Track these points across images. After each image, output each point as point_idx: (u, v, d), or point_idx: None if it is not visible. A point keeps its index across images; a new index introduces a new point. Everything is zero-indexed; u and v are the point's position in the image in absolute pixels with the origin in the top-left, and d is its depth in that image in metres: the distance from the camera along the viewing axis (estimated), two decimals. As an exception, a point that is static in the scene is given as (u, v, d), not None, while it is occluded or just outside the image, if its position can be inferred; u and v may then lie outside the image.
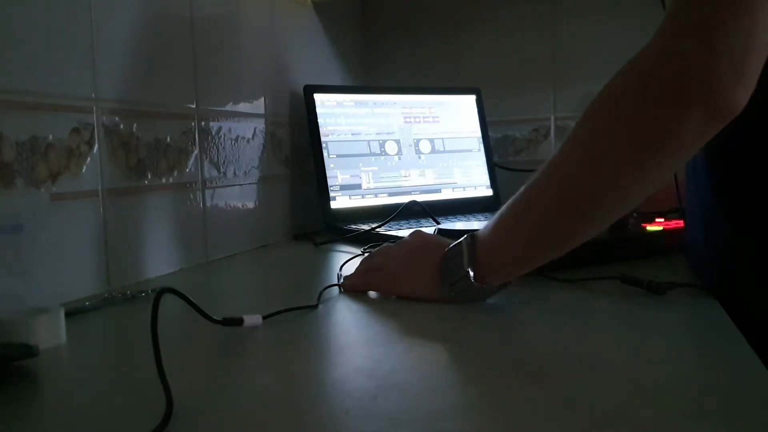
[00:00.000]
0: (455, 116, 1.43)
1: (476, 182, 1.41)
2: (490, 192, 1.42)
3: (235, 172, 1.05)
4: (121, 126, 0.81)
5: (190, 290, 0.53)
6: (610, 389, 0.44)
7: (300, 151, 1.27)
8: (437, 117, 1.41)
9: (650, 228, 0.92)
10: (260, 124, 1.14)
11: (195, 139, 0.95)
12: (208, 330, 0.56)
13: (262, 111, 1.15)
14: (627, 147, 0.55)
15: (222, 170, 1.02)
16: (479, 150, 1.44)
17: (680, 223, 0.89)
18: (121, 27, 0.81)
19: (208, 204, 0.98)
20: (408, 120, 1.37)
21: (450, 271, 0.66)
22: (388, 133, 1.33)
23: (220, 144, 1.01)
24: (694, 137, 0.53)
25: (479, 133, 1.45)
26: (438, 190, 1.36)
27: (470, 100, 1.46)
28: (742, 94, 0.50)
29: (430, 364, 0.51)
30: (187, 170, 0.93)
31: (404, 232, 1.00)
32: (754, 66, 0.51)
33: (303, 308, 0.66)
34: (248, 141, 1.10)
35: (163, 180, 0.88)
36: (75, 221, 0.74)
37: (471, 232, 0.66)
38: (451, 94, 1.46)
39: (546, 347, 0.55)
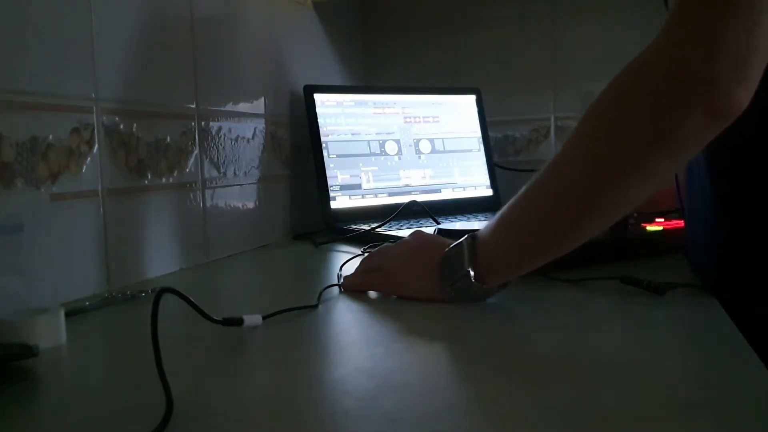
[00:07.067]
0: (455, 116, 1.43)
1: (476, 182, 1.41)
2: (490, 192, 1.42)
3: (235, 172, 1.05)
4: (121, 126, 0.81)
5: (190, 290, 0.53)
6: (610, 389, 0.44)
7: (300, 151, 1.27)
8: (437, 117, 1.41)
9: (650, 228, 0.92)
10: (260, 124, 1.14)
11: (195, 139, 0.95)
12: (208, 330, 0.56)
13: (262, 111, 1.15)
14: (628, 147, 0.55)
15: (222, 170, 1.02)
16: (479, 150, 1.44)
17: (680, 223, 0.89)
18: (121, 27, 0.81)
19: (208, 204, 0.98)
20: (408, 120, 1.37)
21: (450, 270, 0.66)
22: (388, 133, 1.33)
23: (220, 144, 1.01)
24: (695, 138, 0.53)
25: (479, 133, 1.45)
26: (438, 190, 1.36)
27: (470, 100, 1.46)
28: (744, 96, 0.50)
29: (430, 364, 0.51)
30: (187, 170, 0.93)
31: (404, 232, 1.00)
32: (756, 67, 0.51)
33: (303, 308, 0.66)
34: (248, 141, 1.10)
35: (163, 180, 0.88)
36: (75, 221, 0.74)
37: (471, 232, 0.66)
38: (451, 94, 1.45)
39: (546, 347, 0.55)
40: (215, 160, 1.00)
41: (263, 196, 1.13)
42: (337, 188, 1.24)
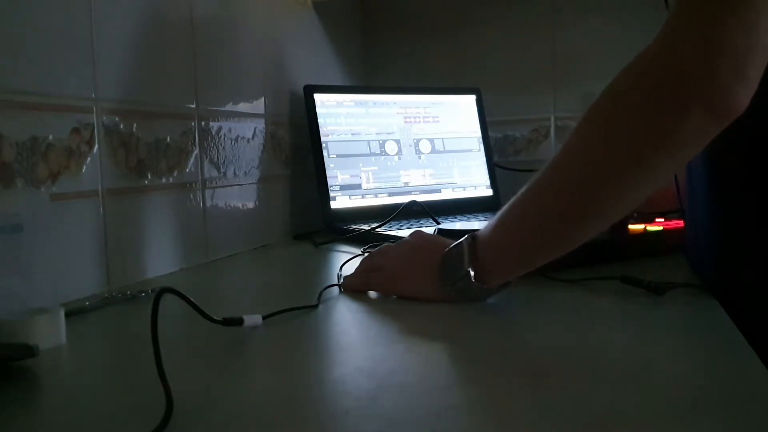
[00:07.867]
0: (455, 116, 1.43)
1: (476, 182, 1.41)
2: (490, 192, 1.42)
3: (235, 172, 1.05)
4: (121, 126, 0.81)
5: (190, 290, 0.53)
6: (610, 389, 0.44)
7: (300, 151, 1.27)
8: (437, 117, 1.41)
9: (650, 228, 0.92)
10: (260, 124, 1.14)
11: (195, 139, 0.95)
12: (208, 330, 0.56)
13: (262, 111, 1.15)
14: (628, 147, 0.55)
15: (222, 170, 1.02)
16: (479, 150, 1.44)
17: (680, 223, 0.89)
18: (121, 27, 0.81)
19: (208, 204, 0.98)
20: (408, 120, 1.37)
21: (450, 270, 0.66)
22: (388, 133, 1.33)
23: (220, 144, 1.01)
24: (696, 137, 0.53)
25: (479, 133, 1.45)
26: (438, 190, 1.36)
27: (470, 100, 1.46)
28: (744, 95, 0.50)
29: (430, 364, 0.51)
30: (187, 170, 0.93)
31: (404, 232, 1.00)
32: (756, 66, 0.51)
33: (303, 308, 0.66)
34: (248, 141, 1.10)
35: (163, 180, 0.88)
36: (75, 221, 0.74)
37: (472, 232, 0.66)
38: (451, 94, 1.45)
39: (546, 347, 0.55)
40: (215, 160, 1.00)
41: (263, 196, 1.13)
42: (337, 188, 1.24)
